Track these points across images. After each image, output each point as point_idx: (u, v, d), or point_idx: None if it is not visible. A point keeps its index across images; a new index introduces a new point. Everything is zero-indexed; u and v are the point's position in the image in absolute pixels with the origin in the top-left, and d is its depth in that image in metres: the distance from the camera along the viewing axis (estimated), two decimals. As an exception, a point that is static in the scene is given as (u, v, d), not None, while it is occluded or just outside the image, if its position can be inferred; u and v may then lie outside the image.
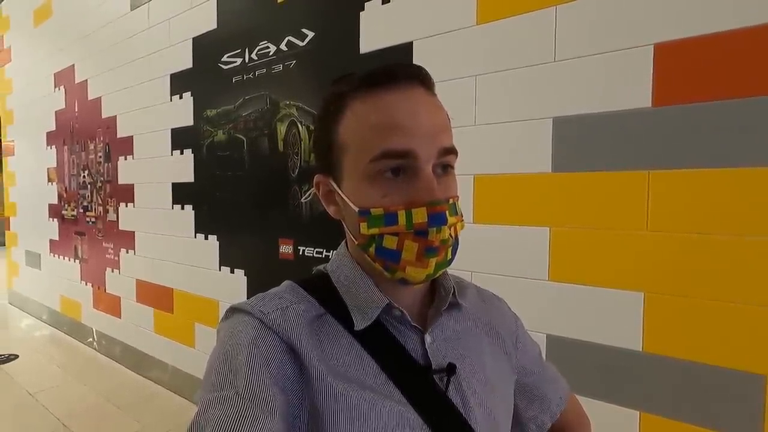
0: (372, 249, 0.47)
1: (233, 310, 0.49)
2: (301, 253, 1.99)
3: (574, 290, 1.28)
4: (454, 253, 0.48)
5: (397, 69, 0.47)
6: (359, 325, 0.48)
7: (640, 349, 1.18)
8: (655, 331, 1.16)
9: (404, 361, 0.49)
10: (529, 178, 1.35)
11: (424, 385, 0.48)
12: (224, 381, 0.42)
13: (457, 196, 0.49)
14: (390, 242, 0.45)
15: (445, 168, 0.47)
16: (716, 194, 1.08)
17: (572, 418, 0.66)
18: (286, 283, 0.54)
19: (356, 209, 0.47)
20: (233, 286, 2.30)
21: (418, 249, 0.45)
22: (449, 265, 0.48)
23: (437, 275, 0.47)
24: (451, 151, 0.47)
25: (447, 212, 0.45)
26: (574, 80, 1.26)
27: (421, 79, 0.48)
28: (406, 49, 1.60)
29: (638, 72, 1.17)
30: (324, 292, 0.51)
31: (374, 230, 0.46)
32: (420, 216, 0.44)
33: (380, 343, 0.49)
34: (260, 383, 0.41)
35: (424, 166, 0.44)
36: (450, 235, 0.46)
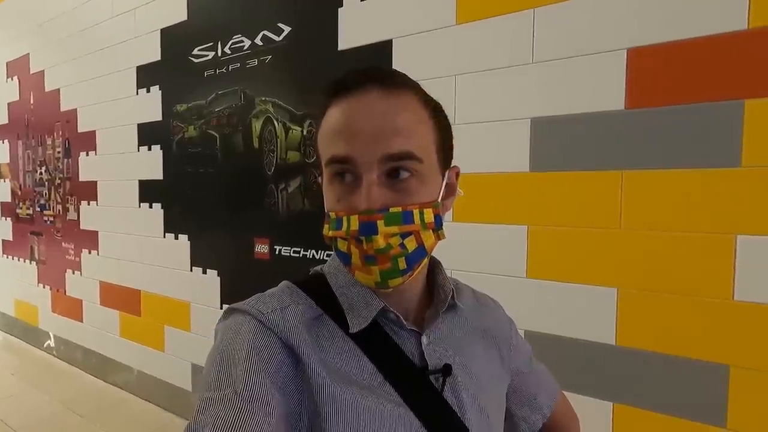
0: (333, 250, 0.50)
1: (231, 311, 0.49)
2: (277, 252, 1.96)
3: (551, 287, 1.31)
4: (410, 263, 0.46)
5: (353, 75, 0.47)
6: (354, 327, 0.48)
7: (614, 343, 1.23)
8: (627, 325, 1.21)
9: (400, 363, 0.49)
10: (508, 177, 1.37)
11: (420, 386, 0.48)
12: (223, 381, 0.41)
13: (425, 203, 0.46)
14: (342, 245, 0.47)
15: (395, 173, 0.45)
16: (685, 194, 1.13)
17: (562, 418, 0.68)
18: (283, 283, 0.53)
19: (327, 211, 0.49)
20: (206, 287, 2.23)
21: (359, 255, 0.46)
22: (403, 275, 0.46)
23: (389, 284, 0.46)
24: (403, 156, 0.44)
25: (380, 222, 0.43)
26: (551, 82, 1.29)
27: (379, 80, 0.46)
28: (386, 47, 1.60)
29: (612, 75, 1.21)
30: (321, 294, 0.51)
31: (330, 233, 0.48)
32: (353, 224, 0.45)
33: (377, 344, 0.49)
34: (259, 383, 0.41)
35: (363, 172, 0.44)
36: (398, 245, 0.45)
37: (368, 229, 0.44)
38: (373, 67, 0.48)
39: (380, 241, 0.44)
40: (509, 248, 1.37)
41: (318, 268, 0.56)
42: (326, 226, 0.48)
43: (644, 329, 1.19)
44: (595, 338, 1.26)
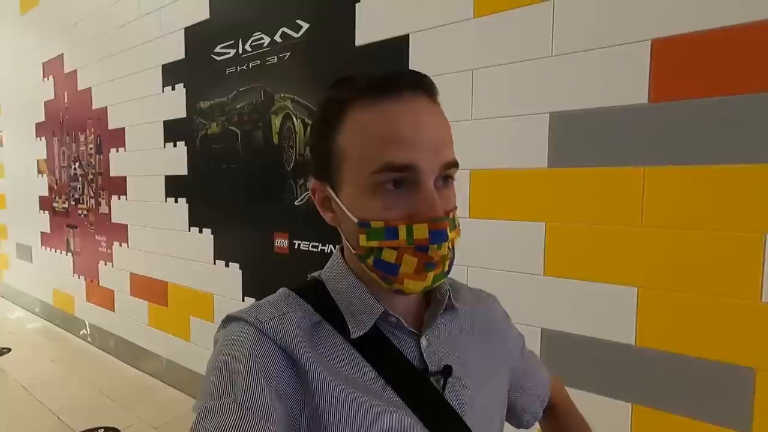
0: (370, 261, 0.47)
1: (229, 319, 0.49)
2: (296, 247, 1.99)
3: (569, 285, 1.29)
4: (450, 265, 0.49)
5: (401, 78, 0.45)
6: (355, 333, 0.48)
7: (633, 343, 1.20)
8: (648, 325, 1.18)
9: (401, 366, 0.49)
10: (525, 173, 1.35)
11: (421, 388, 0.49)
12: (222, 389, 0.41)
13: (456, 207, 0.49)
14: (389, 255, 0.45)
15: (446, 180, 0.47)
16: (710, 190, 1.08)
17: (555, 399, 0.70)
18: (281, 290, 0.53)
19: (355, 220, 0.46)
20: (228, 279, 2.29)
21: (418, 263, 0.45)
22: (446, 276, 0.49)
23: (434, 287, 0.48)
24: (453, 164, 0.47)
25: (448, 228, 0.45)
26: (571, 75, 1.26)
27: (425, 88, 0.47)
28: (403, 41, 1.59)
29: (635, 68, 1.17)
30: (320, 300, 0.51)
31: (373, 243, 0.45)
32: (421, 232, 0.44)
33: (377, 349, 0.49)
34: (259, 391, 0.41)
35: (426, 179, 0.44)
36: (449, 248, 0.46)
37: (441, 237, 0.44)
38: (416, 72, 0.47)
39: (445, 248, 0.45)
40: (527, 245, 1.35)
41: (316, 274, 0.56)
42: (363, 236, 0.46)
43: (665, 330, 1.15)
44: (614, 338, 1.23)
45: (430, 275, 0.46)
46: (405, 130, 0.44)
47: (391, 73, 0.46)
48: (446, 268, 0.47)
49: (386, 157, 0.43)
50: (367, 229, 0.45)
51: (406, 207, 0.44)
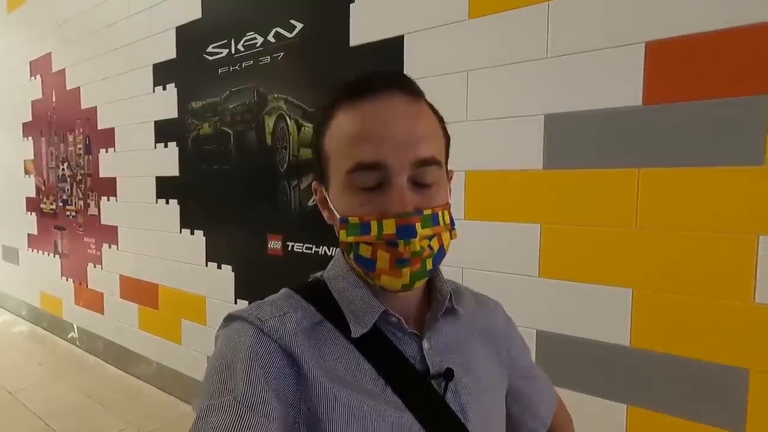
0: (351, 255, 0.48)
1: (230, 318, 0.49)
2: (289, 248, 1.97)
3: (564, 286, 1.29)
4: (435, 263, 0.48)
5: (375, 77, 0.47)
6: (356, 332, 0.48)
7: (628, 344, 1.20)
8: (642, 327, 1.18)
9: (402, 367, 0.49)
10: (521, 174, 1.35)
11: (422, 391, 0.48)
12: (222, 388, 0.42)
13: (444, 205, 0.48)
14: (365, 251, 0.47)
15: (421, 178, 0.46)
16: (703, 192, 1.09)
17: (557, 422, 0.68)
18: (283, 290, 0.53)
19: (338, 216, 0.48)
20: (221, 281, 2.27)
21: (390, 259, 0.45)
22: (428, 275, 0.48)
23: (415, 286, 0.47)
24: (431, 161, 0.46)
25: (418, 224, 0.44)
26: (566, 77, 1.26)
27: (401, 86, 0.47)
28: (397, 42, 1.58)
29: (629, 70, 1.17)
30: (321, 300, 0.51)
31: (351, 238, 0.47)
32: (389, 228, 0.44)
33: (378, 349, 0.49)
34: (259, 390, 0.41)
35: (396, 176, 0.44)
36: (427, 246, 0.46)
37: (407, 232, 0.44)
38: (392, 72, 0.48)
39: (417, 244, 0.44)
40: (522, 247, 1.35)
41: (318, 274, 0.56)
42: (343, 232, 0.47)
43: (660, 331, 1.16)
44: (608, 339, 1.23)
45: (406, 272, 0.46)
46: (374, 127, 0.45)
47: (368, 74, 0.47)
48: (428, 267, 0.47)
49: (357, 156, 0.45)
50: (347, 225, 0.47)
51: (380, 204, 0.45)
